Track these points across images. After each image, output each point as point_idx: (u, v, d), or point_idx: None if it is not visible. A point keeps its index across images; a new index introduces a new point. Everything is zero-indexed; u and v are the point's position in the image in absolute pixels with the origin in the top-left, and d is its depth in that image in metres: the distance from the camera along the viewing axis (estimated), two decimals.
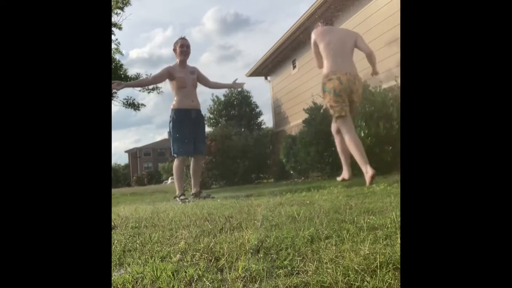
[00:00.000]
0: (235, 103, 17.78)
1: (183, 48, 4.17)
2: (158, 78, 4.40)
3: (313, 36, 3.61)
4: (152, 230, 1.81)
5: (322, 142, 6.01)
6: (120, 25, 11.05)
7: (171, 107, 4.11)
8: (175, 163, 4.12)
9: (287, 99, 10.44)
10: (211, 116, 17.98)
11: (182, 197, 3.96)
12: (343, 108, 3.40)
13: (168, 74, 4.12)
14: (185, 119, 4.05)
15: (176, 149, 4.04)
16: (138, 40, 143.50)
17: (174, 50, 4.23)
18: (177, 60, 4.20)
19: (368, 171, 3.16)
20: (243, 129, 10.76)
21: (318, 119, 6.24)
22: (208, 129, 15.71)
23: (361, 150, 3.30)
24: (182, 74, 4.10)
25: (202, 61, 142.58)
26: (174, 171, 4.16)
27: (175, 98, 4.09)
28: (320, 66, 3.61)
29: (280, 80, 11.00)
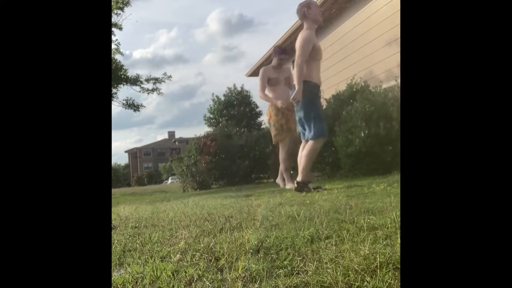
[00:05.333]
0: (235, 103, 17.76)
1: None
2: None
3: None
4: (152, 230, 1.81)
5: None
6: (121, 25, 11.03)
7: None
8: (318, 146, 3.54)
9: None
10: (211, 116, 17.97)
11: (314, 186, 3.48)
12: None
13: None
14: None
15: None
16: (142, 40, 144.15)
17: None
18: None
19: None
20: (243, 129, 10.75)
21: None
22: (208, 129, 15.70)
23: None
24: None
25: (206, 61, 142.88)
26: (312, 156, 3.52)
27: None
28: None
29: None
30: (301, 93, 3.43)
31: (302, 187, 3.41)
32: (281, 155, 4.70)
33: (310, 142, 3.52)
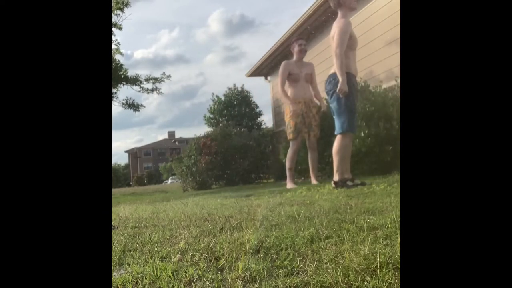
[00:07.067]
0: (235, 103, 17.77)
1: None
2: None
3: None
4: (152, 230, 1.81)
5: (322, 142, 6.01)
6: (120, 25, 11.01)
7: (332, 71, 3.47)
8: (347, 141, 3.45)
9: None
10: (212, 116, 17.98)
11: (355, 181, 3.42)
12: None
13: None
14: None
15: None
16: (144, 41, 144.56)
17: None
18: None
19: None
20: (243, 129, 10.75)
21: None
22: (208, 129, 15.70)
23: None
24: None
25: (207, 62, 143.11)
26: (343, 152, 3.43)
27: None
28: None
29: None
30: (345, 84, 3.33)
31: (340, 186, 3.34)
32: (288, 154, 4.77)
33: (338, 138, 3.43)
